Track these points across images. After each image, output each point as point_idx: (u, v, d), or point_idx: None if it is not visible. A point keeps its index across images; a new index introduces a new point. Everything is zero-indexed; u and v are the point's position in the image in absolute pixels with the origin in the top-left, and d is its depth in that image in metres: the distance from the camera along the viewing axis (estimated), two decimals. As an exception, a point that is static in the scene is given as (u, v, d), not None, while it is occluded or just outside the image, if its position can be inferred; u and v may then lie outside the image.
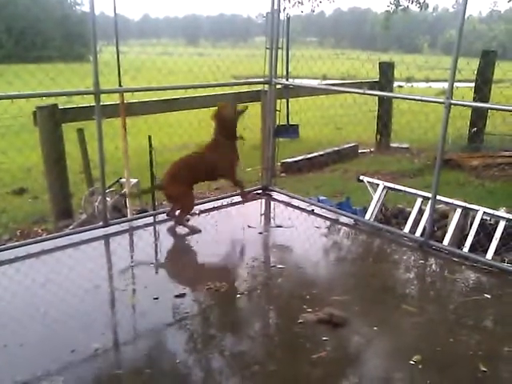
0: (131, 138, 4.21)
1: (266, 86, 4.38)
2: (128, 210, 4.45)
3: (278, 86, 4.39)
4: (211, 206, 4.01)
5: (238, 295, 2.70)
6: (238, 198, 4.12)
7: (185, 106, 6.27)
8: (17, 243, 3.45)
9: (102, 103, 3.29)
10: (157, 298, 2.63)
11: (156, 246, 3.45)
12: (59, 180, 5.22)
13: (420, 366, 2.12)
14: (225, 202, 4.14)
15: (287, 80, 4.61)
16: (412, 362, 2.14)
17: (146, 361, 2.17)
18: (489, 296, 2.73)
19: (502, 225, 3.54)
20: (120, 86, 3.94)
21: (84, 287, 2.72)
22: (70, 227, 4.73)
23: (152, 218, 3.77)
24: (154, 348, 2.27)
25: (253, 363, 2.16)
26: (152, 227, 3.66)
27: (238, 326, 2.45)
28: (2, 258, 3.06)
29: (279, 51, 4.26)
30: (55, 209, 5.30)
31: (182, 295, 2.66)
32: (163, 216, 3.71)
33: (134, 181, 4.74)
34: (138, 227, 3.60)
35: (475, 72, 9.04)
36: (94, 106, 3.27)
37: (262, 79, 4.38)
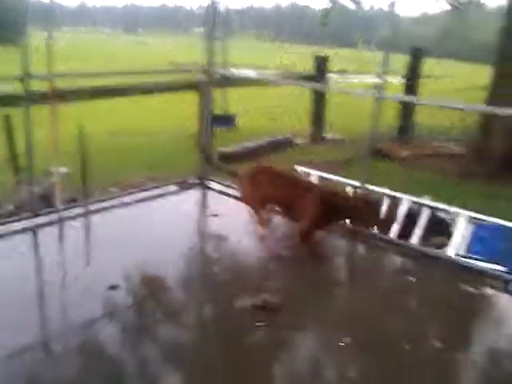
0: (62, 125, 4.04)
1: (204, 76, 4.35)
2: (57, 200, 4.28)
3: (216, 76, 4.37)
4: (146, 196, 3.95)
5: (174, 285, 2.69)
6: (173, 188, 4.09)
7: (120, 92, 6.12)
8: None
9: (31, 89, 3.13)
10: (88, 291, 2.56)
11: (87, 236, 3.36)
12: (-17, 169, 4.95)
13: (349, 348, 2.21)
14: (160, 191, 4.08)
15: (225, 70, 4.61)
16: (342, 344, 2.23)
17: (78, 355, 2.12)
18: (413, 279, 2.88)
19: (426, 212, 3.73)
20: (50, 71, 3.76)
21: (11, 280, 2.61)
22: (-5, 218, 4.50)
23: (83, 208, 3.66)
24: (86, 341, 2.22)
25: (188, 352, 2.17)
26: (83, 217, 3.55)
27: (172, 316, 2.44)
28: None
29: (219, 42, 4.24)
30: (-21, 199, 5.03)
31: (114, 287, 2.61)
32: (96, 206, 3.61)
33: (63, 170, 4.57)
34: (69, 217, 3.49)
35: (405, 68, 9.44)
36: (22, 92, 3.11)
37: (199, 68, 4.34)
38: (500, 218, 3.82)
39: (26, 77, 3.06)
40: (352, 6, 13.45)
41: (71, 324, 2.34)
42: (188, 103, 4.72)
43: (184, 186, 4.21)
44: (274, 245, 3.15)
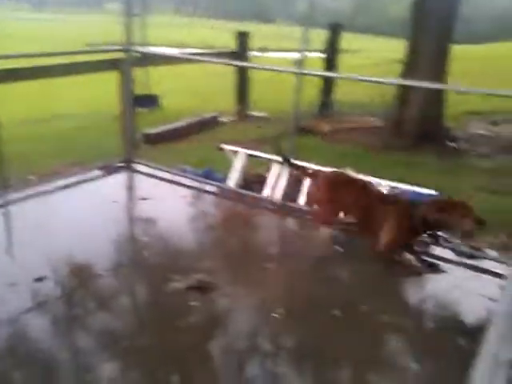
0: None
1: (123, 54, 4.20)
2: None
3: (136, 54, 4.24)
4: (69, 182, 3.80)
5: (104, 273, 2.63)
6: (98, 173, 3.96)
7: (32, 75, 5.75)
8: None
9: None
10: (14, 284, 2.45)
11: (8, 228, 3.19)
12: None
13: (283, 318, 2.29)
14: (84, 177, 3.94)
15: (145, 48, 4.47)
16: (276, 316, 2.30)
17: (6, 350, 2.03)
18: (340, 249, 3.01)
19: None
20: None
21: None
22: None
23: (1, 198, 3.46)
24: (14, 336, 2.13)
25: (122, 338, 2.14)
26: (1, 208, 3.36)
27: (104, 304, 2.39)
28: None
29: (137, 18, 4.10)
30: None
31: (41, 279, 2.51)
32: (14, 196, 3.43)
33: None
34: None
35: (324, 43, 9.62)
36: None
37: (118, 47, 4.18)
38: (419, 186, 4.05)
39: None
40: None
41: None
42: (109, 84, 4.54)
43: (109, 170, 4.08)
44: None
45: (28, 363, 1.98)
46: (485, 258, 2.97)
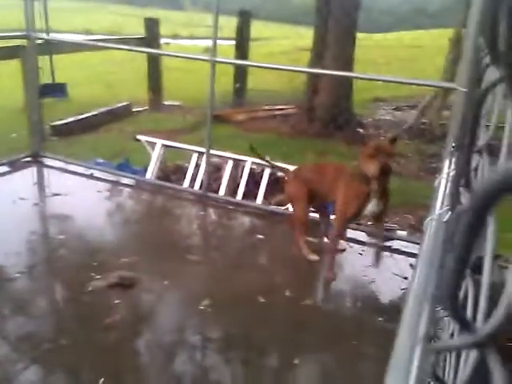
0: None
1: (25, 42, 3.95)
2: None
3: (38, 42, 4.00)
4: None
5: (17, 274, 2.49)
6: (4, 168, 3.72)
7: None
8: None
9: None
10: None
11: None
12: None
13: (209, 310, 2.31)
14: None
15: (48, 35, 4.22)
16: (202, 307, 2.32)
17: None
18: (262, 236, 3.08)
19: (267, 172, 3.96)
20: None
21: None
22: None
23: None
24: None
25: (43, 342, 2.05)
26: None
27: (20, 308, 2.27)
28: None
29: (36, 2, 3.86)
30: None
31: None
32: None
33: None
34: None
35: (235, 31, 9.63)
36: None
37: (18, 33, 3.92)
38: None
39: None
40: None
41: None
42: (11, 73, 4.25)
43: (16, 165, 3.85)
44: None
45: None
46: (396, 238, 3.17)
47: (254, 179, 4.11)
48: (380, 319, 2.36)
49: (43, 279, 2.54)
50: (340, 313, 2.47)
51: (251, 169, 4.08)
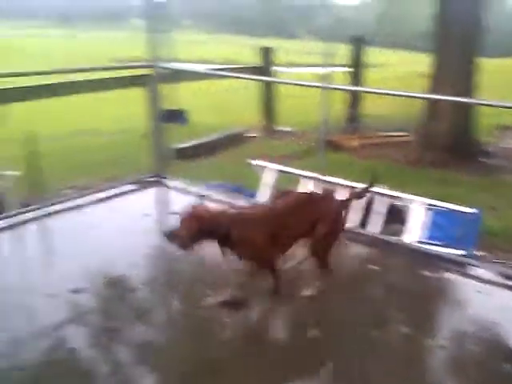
0: (7, 126, 3.89)
1: (150, 71, 4.28)
2: (9, 204, 4.11)
3: (163, 71, 4.32)
4: (103, 196, 3.87)
5: (139, 285, 2.67)
6: (130, 187, 4.04)
7: (62, 92, 5.87)
8: None
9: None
10: (52, 295, 2.50)
11: (45, 240, 3.26)
12: None
13: (317, 339, 2.27)
14: (117, 191, 4.01)
15: (171, 64, 4.53)
16: (310, 336, 2.28)
17: (45, 361, 2.08)
18: (376, 267, 2.97)
19: (385, 202, 3.84)
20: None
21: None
22: None
23: (39, 211, 3.54)
24: (54, 347, 2.17)
25: (160, 351, 2.17)
26: (39, 221, 3.44)
27: (141, 317, 2.42)
28: None
29: (161, 35, 4.18)
30: None
31: (79, 290, 2.56)
32: (51, 209, 3.51)
33: (14, 174, 4.39)
34: (25, 221, 3.38)
35: (348, 57, 9.62)
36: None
37: (145, 63, 4.26)
38: (452, 203, 3.96)
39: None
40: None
41: (37, 329, 2.28)
42: (138, 100, 4.63)
43: (141, 184, 4.16)
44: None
45: (67, 375, 2.02)
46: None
47: (369, 207, 4.00)
48: (506, 366, 2.15)
49: (162, 291, 2.68)
50: (462, 355, 2.28)
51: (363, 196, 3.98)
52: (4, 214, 3.51)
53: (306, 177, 4.14)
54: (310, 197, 2.66)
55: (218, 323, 2.35)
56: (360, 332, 2.34)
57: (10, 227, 3.31)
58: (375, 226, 3.77)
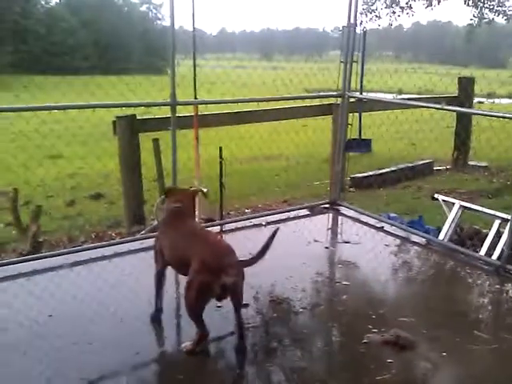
0: (203, 148, 4.30)
1: (339, 100, 4.35)
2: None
3: (351, 100, 4.34)
4: (277, 219, 4.01)
5: (301, 309, 2.67)
6: (305, 212, 4.11)
7: (256, 118, 6.32)
8: (91, 245, 3.62)
9: (177, 115, 3.41)
10: (220, 307, 2.64)
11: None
12: (134, 187, 5.40)
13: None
14: (291, 214, 4.12)
15: (361, 93, 4.53)
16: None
17: (202, 368, 2.19)
18: None
19: None
20: (195, 98, 4.04)
21: (153, 290, 2.77)
22: (142, 232, 4.89)
23: (219, 227, 3.83)
24: (217, 356, 2.29)
25: (313, 380, 2.12)
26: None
27: (299, 341, 2.41)
28: (78, 258, 3.22)
29: (354, 65, 4.22)
30: (129, 214, 5.50)
31: (244, 305, 2.66)
32: (228, 226, 3.76)
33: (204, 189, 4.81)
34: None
35: None
36: (169, 117, 3.40)
37: (334, 92, 4.34)
38: None
39: (173, 103, 3.33)
40: (501, 21, 12.41)
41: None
42: (321, 128, 4.74)
43: (315, 210, 4.21)
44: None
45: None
46: None
47: None
48: None
49: (323, 319, 2.64)
50: None
51: None
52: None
53: (494, 216, 3.73)
54: None
55: (377, 363, 2.21)
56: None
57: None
58: None
